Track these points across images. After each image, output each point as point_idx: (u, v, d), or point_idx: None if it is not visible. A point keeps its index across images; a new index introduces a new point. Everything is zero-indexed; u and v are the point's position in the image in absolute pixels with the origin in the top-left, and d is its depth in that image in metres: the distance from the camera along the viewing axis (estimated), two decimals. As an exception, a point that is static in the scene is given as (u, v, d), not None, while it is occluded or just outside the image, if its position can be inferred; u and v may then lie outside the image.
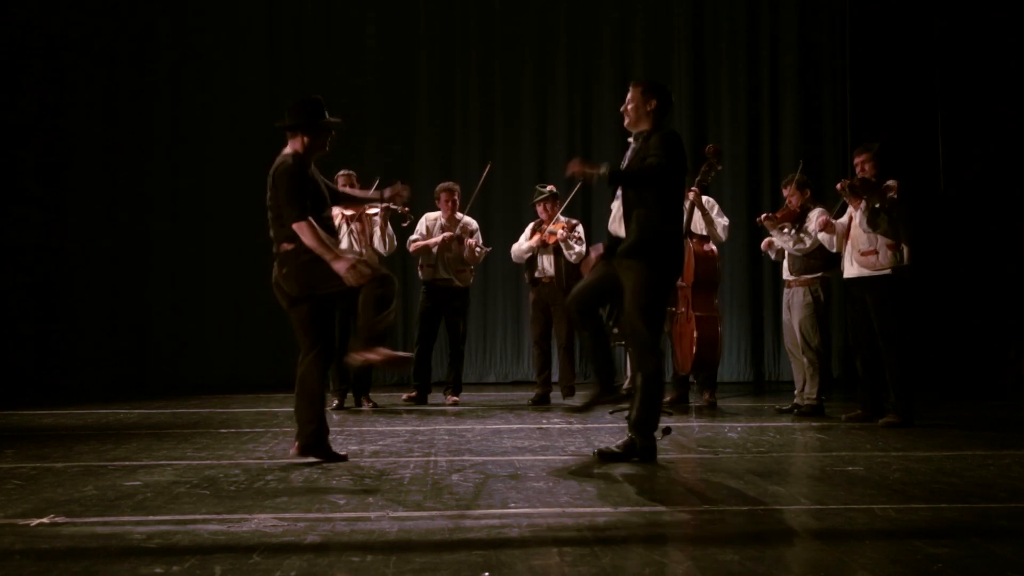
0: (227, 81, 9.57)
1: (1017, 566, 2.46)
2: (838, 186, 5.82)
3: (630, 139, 4.46)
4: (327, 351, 4.30)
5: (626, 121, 4.41)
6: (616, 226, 4.39)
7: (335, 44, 9.69)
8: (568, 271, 6.99)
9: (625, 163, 4.41)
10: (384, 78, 9.66)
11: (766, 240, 6.68)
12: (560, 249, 6.99)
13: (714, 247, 6.72)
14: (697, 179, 6.62)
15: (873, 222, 5.60)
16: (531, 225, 7.28)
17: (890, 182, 5.70)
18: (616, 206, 4.44)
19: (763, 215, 6.48)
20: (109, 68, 9.45)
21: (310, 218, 4.06)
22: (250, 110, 9.44)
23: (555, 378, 7.37)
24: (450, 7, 9.82)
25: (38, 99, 9.23)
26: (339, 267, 4.01)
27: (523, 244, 7.18)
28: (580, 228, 7.11)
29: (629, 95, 4.40)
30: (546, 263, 7.06)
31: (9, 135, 9.15)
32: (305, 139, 4.26)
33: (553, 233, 6.95)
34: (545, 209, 7.08)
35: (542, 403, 7.03)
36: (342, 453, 4.36)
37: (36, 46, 9.25)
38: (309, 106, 4.31)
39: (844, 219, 5.96)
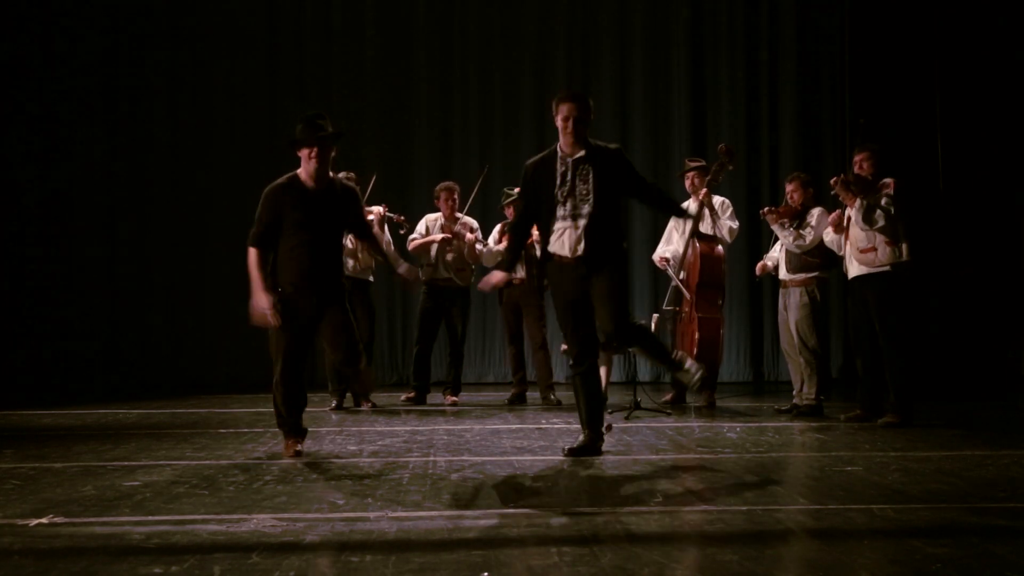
0: (227, 82, 9.57)
1: (1016, 566, 2.46)
2: (831, 182, 5.82)
3: (564, 156, 4.31)
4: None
5: (569, 141, 4.26)
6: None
7: (335, 45, 9.70)
8: (539, 272, 6.96)
9: (565, 182, 4.25)
10: (383, 79, 9.67)
11: (760, 264, 6.70)
12: (529, 250, 6.95)
13: (721, 249, 6.72)
14: (708, 179, 6.61)
15: (868, 219, 5.60)
16: (498, 227, 7.25)
17: (886, 180, 5.71)
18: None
19: (766, 208, 6.48)
20: (108, 68, 9.46)
21: (253, 249, 4.28)
22: (250, 110, 9.46)
23: (531, 377, 7.38)
24: (449, 7, 9.83)
25: (36, 98, 9.24)
26: (254, 301, 4.22)
27: (492, 247, 7.13)
28: None
29: (573, 111, 4.24)
30: (517, 265, 7.03)
31: (7, 135, 9.15)
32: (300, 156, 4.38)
33: None
34: (514, 212, 7.03)
35: (518, 402, 7.04)
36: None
37: (34, 44, 9.27)
38: (298, 126, 4.38)
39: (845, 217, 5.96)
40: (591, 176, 4.26)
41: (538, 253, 6.87)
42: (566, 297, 4.38)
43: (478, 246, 7.12)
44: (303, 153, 4.33)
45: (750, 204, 9.56)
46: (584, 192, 4.25)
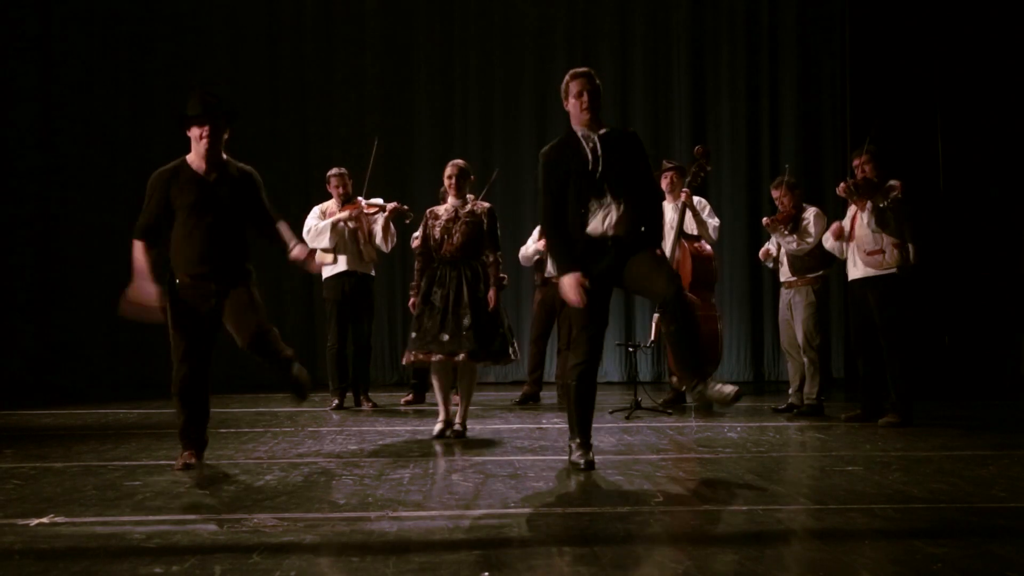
0: (227, 81, 9.56)
1: (1017, 566, 2.46)
2: (840, 188, 5.79)
3: (586, 134, 4.02)
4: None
5: (587, 117, 4.00)
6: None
7: (335, 44, 9.71)
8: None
9: (599, 159, 3.95)
10: (383, 77, 9.68)
11: (763, 250, 6.69)
12: None
13: (709, 247, 6.73)
14: (687, 180, 6.62)
15: (882, 221, 5.61)
16: (538, 228, 7.25)
17: (893, 182, 5.71)
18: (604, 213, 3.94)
19: (767, 219, 6.47)
20: (109, 68, 9.47)
21: (138, 241, 4.03)
22: (249, 110, 9.43)
23: (548, 377, 7.36)
24: (449, 6, 9.83)
25: (36, 98, 9.25)
26: (132, 288, 3.94)
27: (530, 247, 7.14)
28: None
29: (586, 85, 4.00)
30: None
31: (6, 134, 9.15)
32: None
33: None
34: (542, 205, 7.02)
35: (529, 402, 7.03)
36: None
37: (34, 44, 9.27)
38: (189, 101, 4.07)
39: (845, 221, 5.95)
40: (621, 153, 3.99)
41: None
42: (598, 282, 3.93)
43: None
44: (193, 133, 3.98)
45: (750, 205, 9.57)
46: (620, 168, 3.95)
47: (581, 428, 4.09)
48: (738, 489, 3.55)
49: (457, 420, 5.11)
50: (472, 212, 5.13)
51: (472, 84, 9.80)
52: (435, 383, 5.15)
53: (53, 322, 9.18)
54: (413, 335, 5.00)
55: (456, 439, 4.96)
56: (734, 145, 9.68)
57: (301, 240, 4.20)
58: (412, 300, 5.13)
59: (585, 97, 4.01)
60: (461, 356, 4.85)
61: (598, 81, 4.10)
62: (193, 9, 9.57)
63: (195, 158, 4.04)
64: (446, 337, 4.85)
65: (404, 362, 5.14)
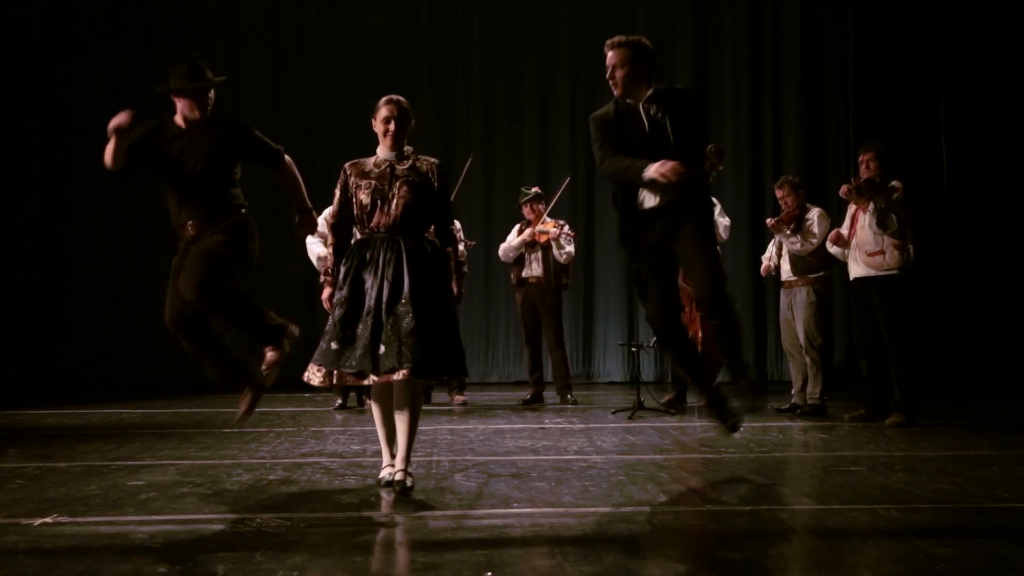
0: (229, 81, 9.55)
1: (1020, 566, 2.45)
2: (842, 191, 5.79)
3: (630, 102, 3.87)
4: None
5: (618, 93, 3.86)
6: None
7: (337, 43, 9.73)
8: (556, 270, 6.95)
9: (651, 127, 3.82)
10: (386, 76, 9.68)
11: (763, 267, 6.68)
12: (548, 249, 6.94)
13: (718, 248, 6.71)
14: None
15: (883, 223, 5.61)
16: (517, 227, 7.23)
17: (895, 183, 5.71)
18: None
19: (771, 219, 6.46)
20: (110, 68, 9.48)
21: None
22: (251, 110, 9.45)
23: (548, 377, 7.36)
24: (452, 6, 9.84)
25: (37, 100, 9.27)
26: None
27: (513, 241, 7.12)
28: (567, 228, 7.04)
29: (615, 56, 3.82)
30: (534, 263, 7.01)
31: (9, 134, 9.17)
32: None
33: (544, 232, 6.90)
34: (532, 210, 7.03)
35: (535, 403, 7.02)
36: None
37: (35, 43, 9.29)
38: (177, 69, 4.00)
39: (845, 223, 5.95)
40: (666, 116, 3.82)
41: (556, 252, 6.90)
42: (650, 247, 3.91)
43: (460, 246, 6.98)
44: (184, 103, 3.92)
45: (753, 205, 9.57)
46: (665, 134, 3.80)
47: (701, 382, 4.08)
48: (741, 489, 3.55)
49: (398, 463, 3.52)
50: (414, 168, 3.62)
51: (474, 83, 9.81)
52: (377, 413, 3.66)
53: (56, 322, 9.19)
54: (334, 345, 3.44)
55: (401, 494, 3.41)
56: (736, 145, 9.67)
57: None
58: (326, 292, 3.74)
59: (616, 75, 3.86)
60: (402, 373, 3.33)
61: (637, 50, 3.84)
62: (194, 10, 9.58)
63: (180, 120, 4.02)
64: (383, 349, 3.38)
65: (319, 382, 3.49)
